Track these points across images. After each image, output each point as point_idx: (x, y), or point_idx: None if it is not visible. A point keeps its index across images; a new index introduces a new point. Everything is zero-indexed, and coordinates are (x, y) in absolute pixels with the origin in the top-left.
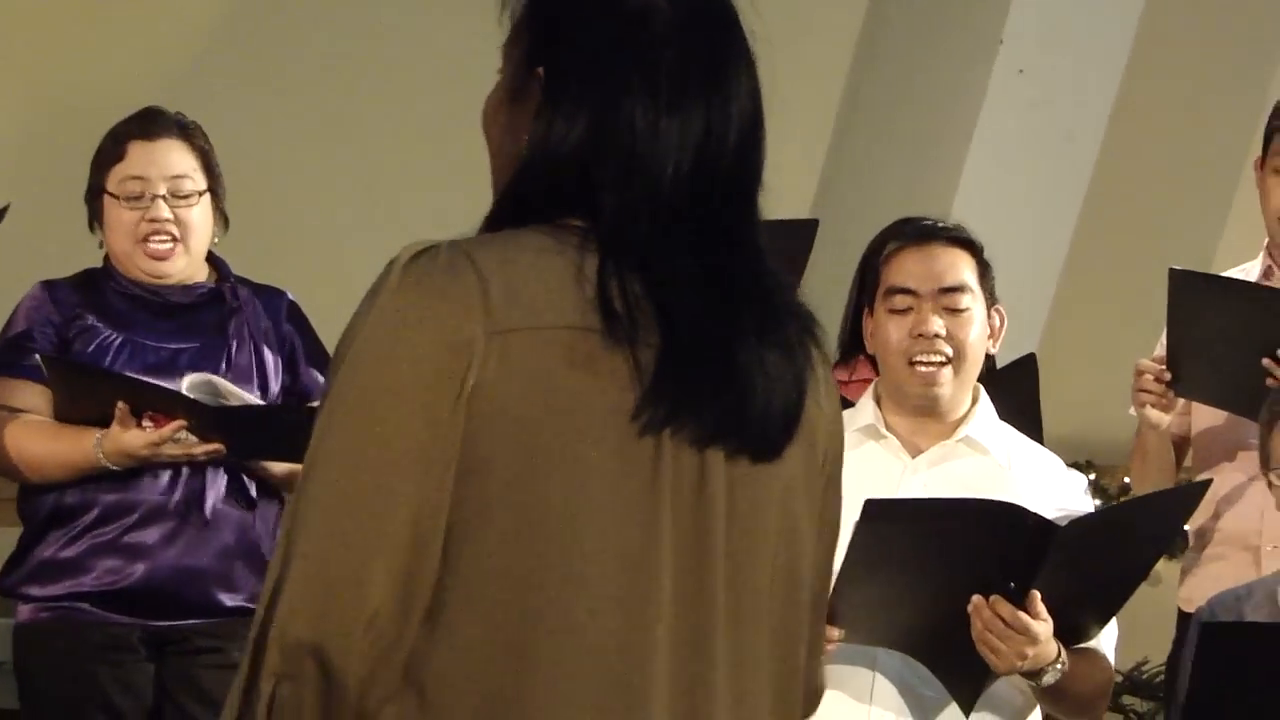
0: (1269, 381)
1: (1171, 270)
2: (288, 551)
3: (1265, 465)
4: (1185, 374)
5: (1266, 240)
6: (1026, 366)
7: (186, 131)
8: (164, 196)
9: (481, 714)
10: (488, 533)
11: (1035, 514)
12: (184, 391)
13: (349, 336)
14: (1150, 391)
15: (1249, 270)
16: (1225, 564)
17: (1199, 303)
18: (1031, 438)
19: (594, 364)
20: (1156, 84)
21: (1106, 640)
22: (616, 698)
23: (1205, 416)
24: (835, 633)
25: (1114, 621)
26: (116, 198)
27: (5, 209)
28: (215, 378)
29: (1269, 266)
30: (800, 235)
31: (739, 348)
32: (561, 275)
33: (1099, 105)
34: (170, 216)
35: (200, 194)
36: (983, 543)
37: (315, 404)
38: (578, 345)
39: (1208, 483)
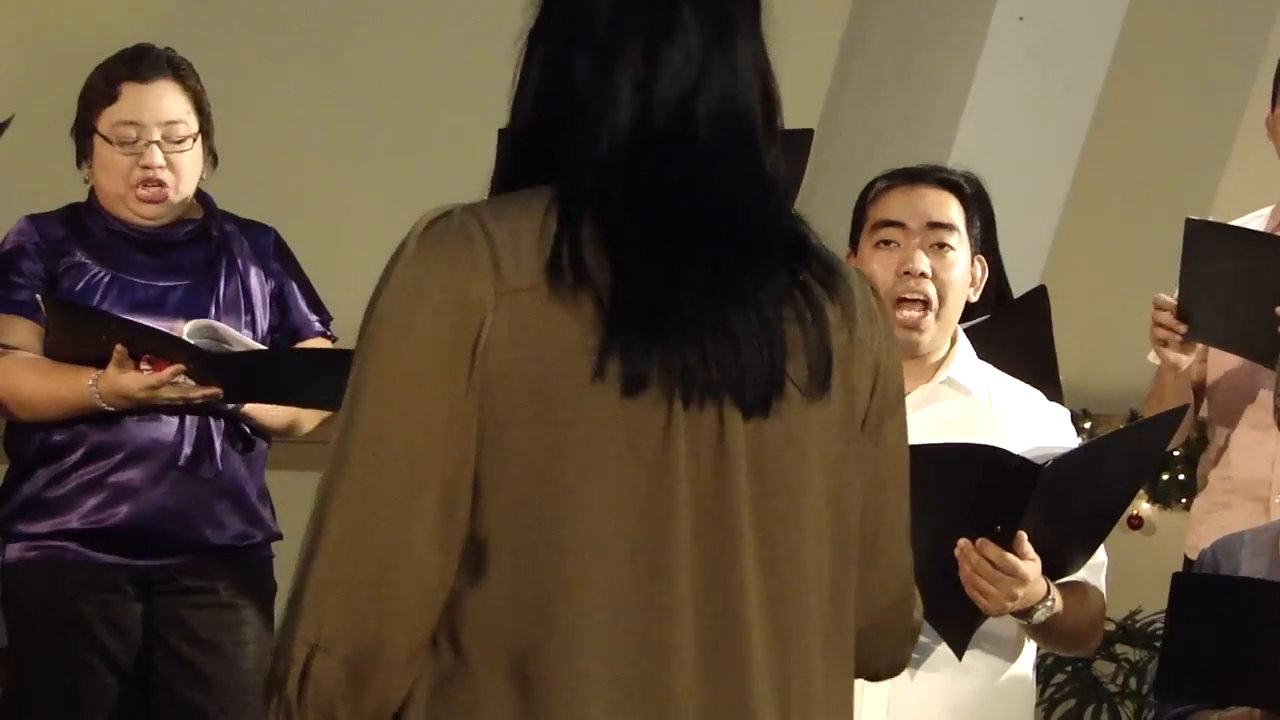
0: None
1: (1188, 219)
2: (321, 532)
3: (1279, 416)
4: (1198, 319)
5: None
6: (1037, 299)
7: (179, 72)
8: (158, 142)
9: (511, 670)
10: (508, 490)
11: (1017, 456)
12: (185, 337)
13: (371, 310)
14: (1165, 328)
15: (1260, 219)
16: (1233, 513)
17: (1213, 250)
18: (1045, 370)
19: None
20: (1156, 32)
21: (1095, 571)
22: (639, 651)
23: (1220, 366)
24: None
25: (1102, 550)
26: (109, 141)
27: (9, 121)
28: (216, 323)
29: None
30: (794, 147)
31: (695, 296)
32: (533, 237)
33: (1099, 53)
34: (164, 163)
35: (193, 138)
36: (966, 487)
37: (311, 346)
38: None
39: (1184, 409)
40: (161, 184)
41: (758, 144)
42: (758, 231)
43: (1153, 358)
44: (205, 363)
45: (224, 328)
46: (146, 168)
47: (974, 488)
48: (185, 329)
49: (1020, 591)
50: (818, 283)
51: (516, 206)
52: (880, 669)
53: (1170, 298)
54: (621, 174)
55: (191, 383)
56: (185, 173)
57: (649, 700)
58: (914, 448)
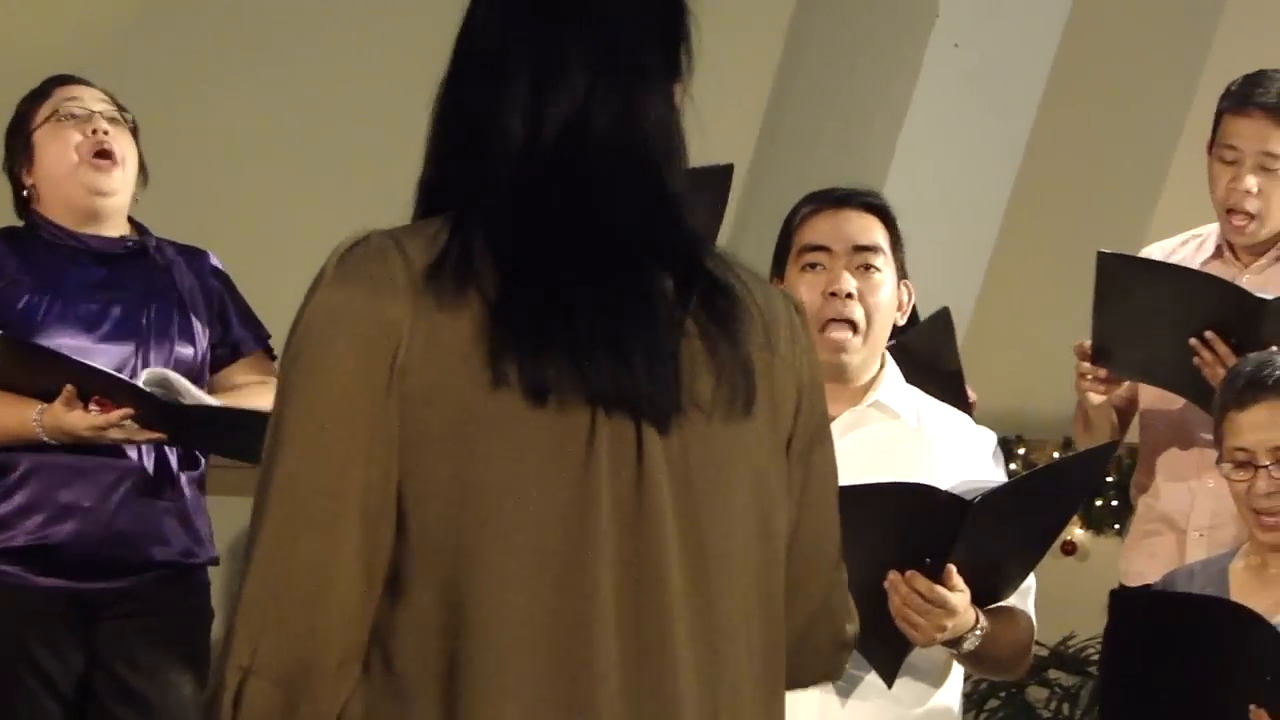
0: (1196, 360)
1: (1100, 253)
2: (251, 558)
3: (1218, 454)
4: (1115, 352)
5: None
6: (942, 319)
7: (100, 89)
8: (100, 112)
9: (440, 686)
10: (429, 507)
11: (945, 492)
12: (141, 385)
13: (291, 335)
14: (1087, 376)
15: (1205, 238)
16: (1160, 540)
17: (1127, 284)
18: (952, 389)
19: None
20: (1090, 59)
21: (1023, 596)
22: (560, 666)
23: (1151, 396)
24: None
25: (1032, 576)
26: (55, 118)
27: None
28: (171, 373)
29: (1221, 246)
30: (715, 182)
31: (586, 312)
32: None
33: (1034, 79)
34: (111, 132)
35: (130, 127)
36: (896, 522)
37: (262, 409)
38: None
39: (1114, 445)
40: (111, 154)
41: (652, 171)
42: (650, 252)
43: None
44: (154, 411)
45: (177, 378)
46: (95, 132)
47: (903, 522)
48: (142, 377)
49: (949, 623)
50: (726, 303)
51: (427, 230)
52: (812, 680)
53: (1087, 341)
54: (510, 198)
55: (137, 426)
56: (128, 158)
57: (572, 716)
58: (844, 488)
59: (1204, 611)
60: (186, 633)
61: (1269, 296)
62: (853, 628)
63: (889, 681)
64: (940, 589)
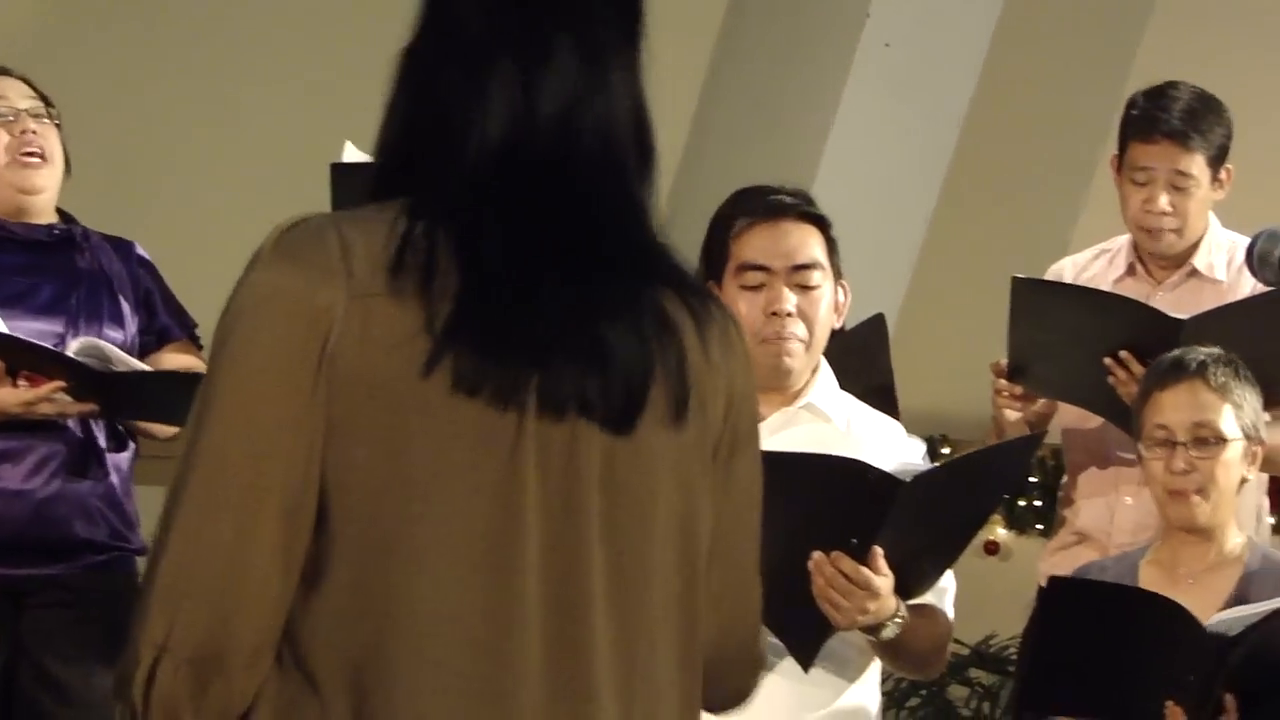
0: (1110, 379)
1: (1015, 278)
2: (168, 534)
3: (1136, 437)
4: (1031, 372)
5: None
6: (876, 327)
7: (18, 76)
8: (26, 110)
9: (354, 680)
10: (354, 496)
11: (878, 470)
12: (72, 355)
13: (224, 315)
14: (1004, 393)
15: (1115, 253)
16: (1080, 551)
17: (1042, 307)
18: (882, 398)
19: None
20: (1020, 61)
21: (944, 596)
22: (482, 663)
23: (1070, 416)
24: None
25: (950, 575)
26: None
27: None
28: (102, 343)
29: (1132, 263)
30: None
31: (542, 312)
32: (384, 243)
33: (963, 80)
34: (38, 130)
35: (56, 123)
36: (826, 498)
37: (179, 355)
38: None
39: (1040, 436)
40: (39, 154)
41: (628, 169)
42: (623, 253)
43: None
44: (86, 380)
45: (110, 348)
46: (24, 132)
47: (833, 499)
48: (72, 348)
49: (872, 606)
50: (680, 307)
51: (373, 215)
52: (724, 699)
53: (1002, 360)
54: (487, 191)
55: (69, 399)
56: (55, 154)
57: (493, 713)
58: (777, 454)
59: (1139, 605)
60: (114, 623)
61: (1183, 317)
62: (764, 644)
63: (805, 665)
64: (865, 570)
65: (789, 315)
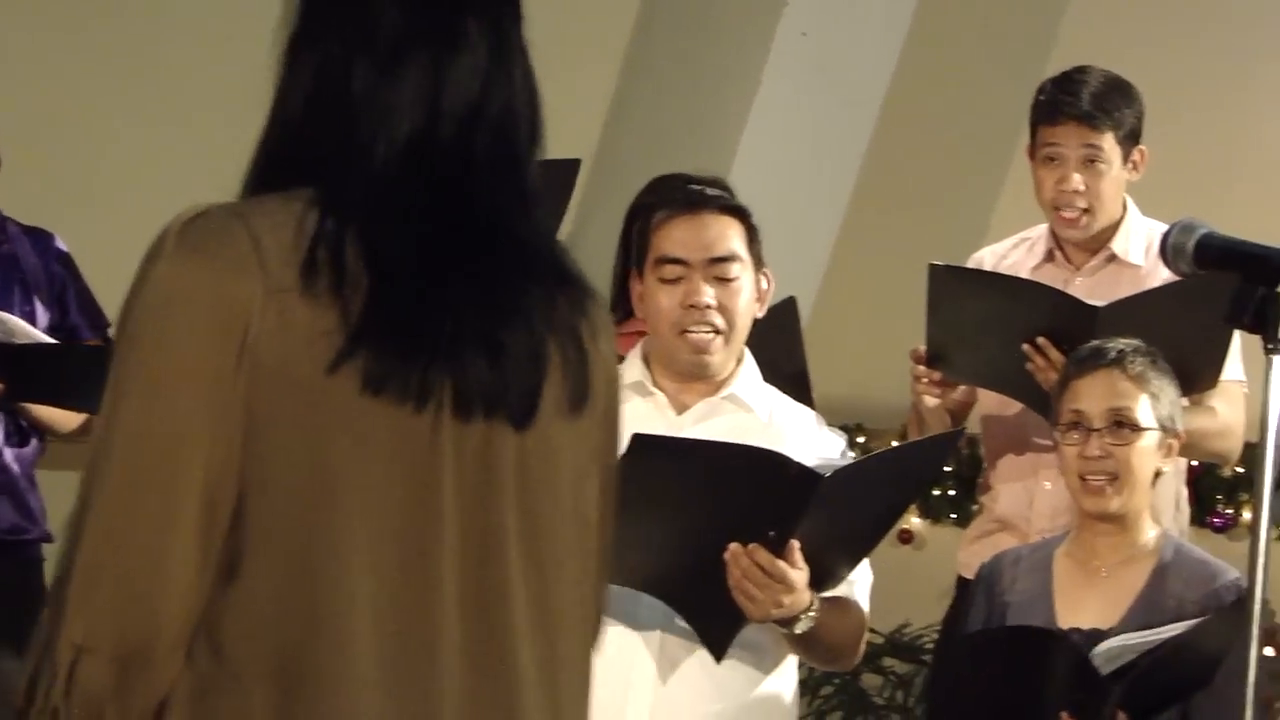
0: (1029, 366)
1: (931, 265)
2: (84, 528)
3: (1054, 425)
4: (950, 358)
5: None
6: (788, 311)
7: None
8: None
9: (276, 672)
10: (273, 491)
11: (798, 463)
12: None
13: (129, 308)
14: (922, 380)
15: (1034, 241)
16: (1000, 538)
17: (960, 294)
18: (796, 382)
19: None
20: (937, 49)
21: (860, 588)
22: (404, 656)
23: (989, 402)
24: None
25: (868, 567)
26: None
27: None
28: (6, 315)
29: (1051, 249)
30: (560, 175)
31: (452, 311)
32: (295, 238)
33: (880, 69)
34: None
35: None
36: (745, 490)
37: (101, 344)
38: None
39: (960, 432)
40: None
41: (524, 163)
42: (524, 248)
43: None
44: None
45: (14, 320)
46: None
47: (753, 491)
48: None
49: (787, 600)
50: (570, 301)
51: (278, 207)
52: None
53: (921, 347)
54: (394, 185)
55: None
56: None
57: (416, 702)
58: (699, 441)
59: (1015, 641)
60: (16, 611)
61: (1100, 304)
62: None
63: (718, 656)
64: (781, 564)
65: (707, 308)
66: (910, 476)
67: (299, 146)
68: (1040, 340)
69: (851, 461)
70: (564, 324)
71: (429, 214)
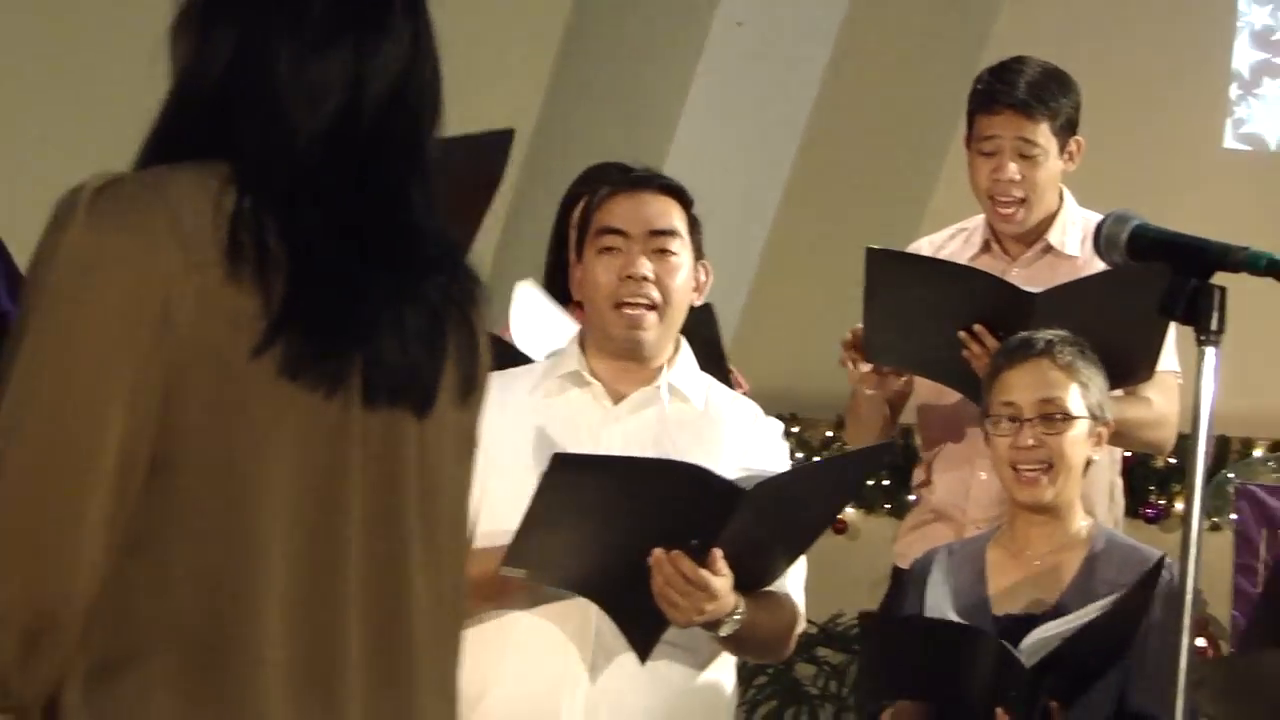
0: (964, 353)
1: (869, 249)
2: None
3: (984, 413)
4: (883, 344)
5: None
6: (706, 316)
7: None
8: None
9: (183, 649)
10: (186, 469)
11: (722, 479)
12: None
13: (39, 276)
14: (849, 360)
15: (971, 232)
16: (936, 528)
17: (896, 280)
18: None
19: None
20: (872, 39)
21: (793, 581)
22: (313, 637)
23: (925, 391)
24: None
25: (802, 560)
26: None
27: None
28: None
29: (988, 240)
30: (494, 148)
31: (369, 296)
32: (213, 214)
33: (815, 61)
34: None
35: None
36: (666, 501)
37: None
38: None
39: (889, 445)
40: None
41: (427, 147)
42: (429, 234)
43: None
44: None
45: None
46: None
47: (674, 500)
48: None
49: (709, 607)
50: (464, 288)
51: (192, 180)
52: None
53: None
54: (315, 166)
55: None
56: None
57: (321, 686)
58: (619, 459)
59: (948, 635)
60: None
61: (1036, 290)
62: None
63: (642, 658)
64: (703, 573)
65: (644, 279)
66: (838, 488)
67: (214, 119)
68: (976, 327)
69: (774, 475)
70: (459, 312)
71: (347, 198)
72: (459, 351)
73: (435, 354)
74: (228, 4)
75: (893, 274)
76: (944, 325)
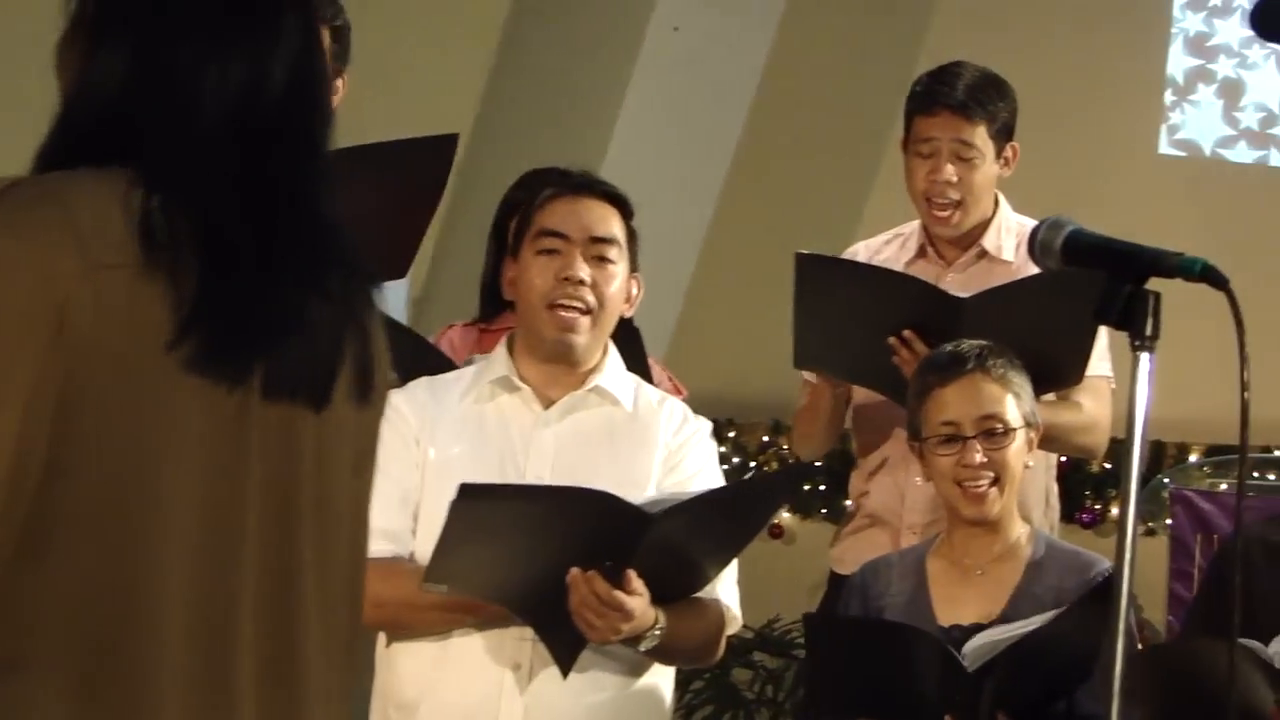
0: (895, 359)
1: (798, 254)
2: None
3: (913, 436)
4: (814, 350)
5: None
6: (632, 334)
7: None
8: None
9: (80, 656)
10: (86, 472)
11: (630, 505)
12: None
13: None
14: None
15: (907, 237)
16: (872, 535)
17: (827, 285)
18: None
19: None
20: (809, 45)
21: (725, 585)
22: (205, 647)
23: (860, 395)
24: None
25: (733, 562)
26: None
27: None
28: None
29: (923, 244)
30: (437, 152)
31: (277, 292)
32: (119, 216)
33: (751, 66)
34: None
35: None
36: (578, 524)
37: None
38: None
39: (803, 468)
40: None
41: (324, 146)
42: (328, 234)
43: (807, 376)
44: None
45: None
46: None
47: (587, 523)
48: None
49: (625, 627)
50: (361, 288)
51: (93, 184)
52: None
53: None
54: (217, 167)
55: None
56: None
57: (216, 688)
58: (529, 487)
59: (891, 636)
60: None
61: (965, 295)
62: None
63: (564, 671)
64: (618, 594)
65: (580, 283)
66: (755, 507)
67: (113, 124)
68: (906, 333)
69: (683, 501)
70: (356, 311)
71: (250, 198)
72: (355, 349)
73: (335, 350)
74: (121, 14)
75: (822, 279)
76: (874, 331)
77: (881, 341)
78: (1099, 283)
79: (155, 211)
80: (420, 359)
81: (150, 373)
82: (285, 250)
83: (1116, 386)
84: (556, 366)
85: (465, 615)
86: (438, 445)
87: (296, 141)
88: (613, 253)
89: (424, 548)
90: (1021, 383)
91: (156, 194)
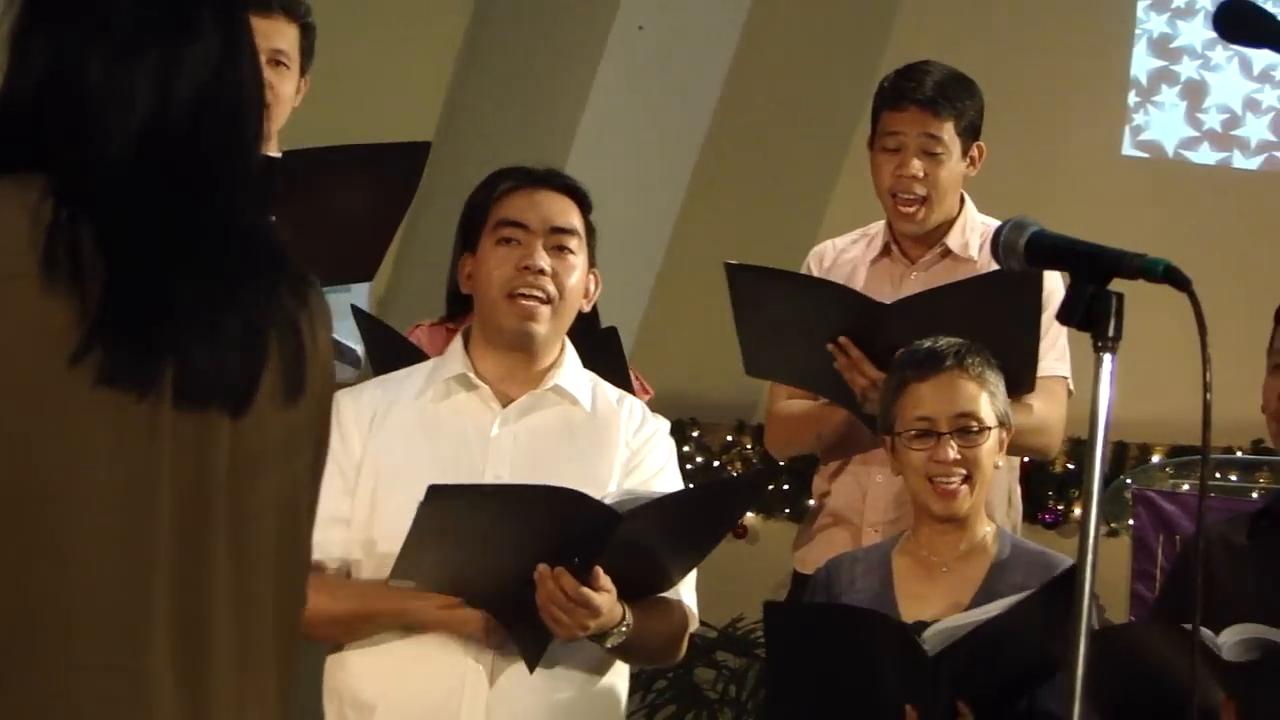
0: (836, 364)
1: (727, 265)
2: None
3: (885, 430)
4: (761, 358)
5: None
6: (611, 338)
7: None
8: None
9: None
10: None
11: (597, 503)
12: None
13: None
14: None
15: (873, 236)
16: (835, 532)
17: (759, 295)
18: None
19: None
20: (773, 44)
21: (685, 585)
22: (124, 644)
23: None
24: None
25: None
26: None
27: None
28: None
29: (888, 243)
30: (407, 158)
31: (185, 299)
32: (26, 226)
33: (716, 63)
34: None
35: None
36: (546, 522)
37: None
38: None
39: (772, 469)
40: None
41: (252, 150)
42: (249, 239)
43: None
44: None
45: None
46: None
47: (555, 521)
48: None
49: (592, 623)
50: (293, 290)
51: (6, 193)
52: None
53: None
54: (128, 174)
55: None
56: None
57: (131, 693)
58: (496, 487)
59: (850, 621)
60: None
61: (888, 301)
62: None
63: (531, 666)
64: (585, 590)
65: (541, 272)
66: (721, 509)
67: (28, 132)
68: (841, 339)
69: (652, 501)
70: (284, 314)
71: (161, 204)
72: (284, 354)
73: (250, 357)
74: (40, 18)
75: (751, 289)
76: (811, 339)
77: (821, 348)
78: (1030, 285)
79: (63, 223)
80: (393, 352)
81: (53, 384)
82: (195, 257)
83: (1077, 387)
84: (515, 359)
85: (364, 624)
86: (389, 448)
87: (216, 146)
88: (573, 244)
89: (384, 547)
90: (996, 382)
91: (64, 205)
